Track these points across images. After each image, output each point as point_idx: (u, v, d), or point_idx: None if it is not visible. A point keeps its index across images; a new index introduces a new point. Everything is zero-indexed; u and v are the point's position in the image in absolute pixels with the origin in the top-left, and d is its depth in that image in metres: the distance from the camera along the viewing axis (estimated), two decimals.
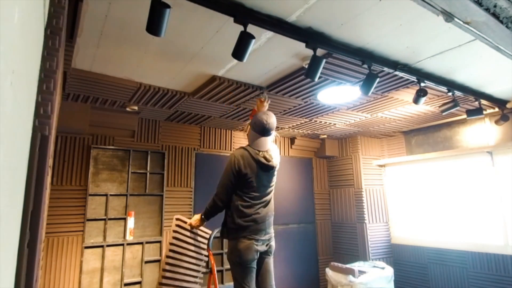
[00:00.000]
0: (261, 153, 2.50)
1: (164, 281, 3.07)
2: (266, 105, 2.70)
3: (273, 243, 2.57)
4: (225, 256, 4.22)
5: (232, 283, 4.15)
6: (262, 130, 2.50)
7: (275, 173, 2.63)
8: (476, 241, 4.05)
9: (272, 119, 2.53)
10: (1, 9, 0.50)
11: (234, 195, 2.50)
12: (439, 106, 3.38)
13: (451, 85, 2.95)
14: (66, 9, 1.40)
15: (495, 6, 1.77)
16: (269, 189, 2.59)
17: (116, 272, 3.55)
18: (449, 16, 1.80)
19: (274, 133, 2.64)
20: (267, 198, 2.56)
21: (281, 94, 3.19)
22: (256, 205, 2.47)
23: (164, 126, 4.15)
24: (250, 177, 2.46)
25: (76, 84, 2.87)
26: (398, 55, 2.45)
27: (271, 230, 2.55)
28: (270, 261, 2.56)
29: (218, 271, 4.14)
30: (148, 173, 3.92)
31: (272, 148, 2.61)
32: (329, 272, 4.09)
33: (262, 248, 2.47)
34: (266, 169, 2.52)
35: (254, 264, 2.46)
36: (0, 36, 0.50)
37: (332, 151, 5.41)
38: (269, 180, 2.58)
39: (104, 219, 3.58)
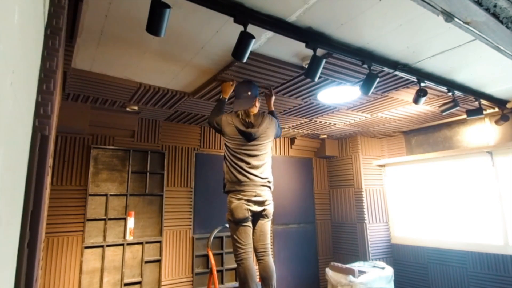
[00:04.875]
0: (241, 116, 2.68)
1: None
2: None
3: (269, 208, 2.69)
4: (225, 256, 4.23)
5: (232, 283, 4.17)
6: (237, 91, 2.74)
7: (265, 141, 2.73)
8: (476, 241, 4.05)
9: (246, 81, 2.77)
10: (1, 9, 0.50)
11: (226, 151, 2.70)
12: (439, 106, 3.38)
13: (451, 85, 2.95)
14: (66, 9, 1.40)
15: (495, 6, 1.77)
16: (259, 154, 2.69)
17: (116, 272, 3.55)
18: (449, 16, 1.80)
19: (256, 94, 2.77)
20: (258, 163, 2.67)
21: (281, 94, 3.19)
22: (243, 166, 2.62)
23: (164, 126, 4.15)
24: (230, 136, 2.67)
25: (76, 84, 2.87)
26: (398, 55, 2.45)
27: (265, 194, 2.66)
28: (266, 223, 2.71)
29: (218, 271, 4.14)
30: (148, 173, 3.92)
31: (261, 117, 2.76)
32: (329, 272, 4.09)
33: (256, 208, 2.60)
34: (246, 136, 2.65)
35: (248, 223, 2.62)
36: (0, 36, 0.50)
37: (332, 151, 5.41)
38: (256, 147, 2.70)
39: (104, 219, 3.58)
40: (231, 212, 2.57)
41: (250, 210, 2.58)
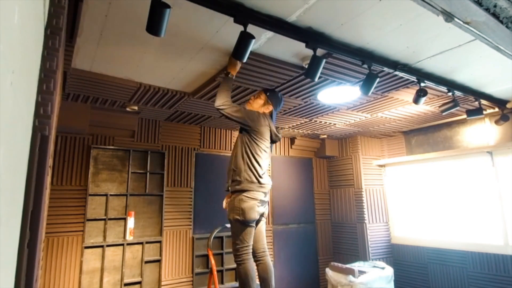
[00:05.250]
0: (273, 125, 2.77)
1: None
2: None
3: (267, 208, 2.75)
4: (225, 256, 4.22)
5: (232, 283, 4.17)
6: (278, 105, 2.79)
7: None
8: (476, 241, 4.05)
9: (280, 98, 2.85)
10: (1, 9, 0.50)
11: (249, 149, 2.59)
12: (439, 106, 3.38)
13: (451, 85, 2.95)
14: (66, 9, 1.40)
15: (495, 6, 1.77)
16: (269, 158, 2.78)
17: (116, 272, 3.55)
18: (449, 16, 1.80)
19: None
20: (267, 166, 2.73)
21: (281, 94, 3.19)
22: (263, 168, 2.64)
23: (164, 126, 4.15)
24: (263, 137, 2.63)
25: (76, 84, 2.87)
26: (398, 55, 2.45)
27: (268, 196, 2.71)
28: (264, 223, 2.76)
29: (218, 271, 4.14)
30: (148, 173, 3.92)
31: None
32: (329, 272, 4.09)
33: (261, 210, 2.61)
34: (273, 142, 2.74)
35: (254, 224, 2.60)
36: (0, 36, 0.50)
37: (332, 151, 5.41)
38: (270, 150, 2.79)
39: (104, 219, 3.58)
40: (242, 212, 2.47)
41: (258, 212, 2.56)
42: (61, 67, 1.78)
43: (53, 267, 3.27)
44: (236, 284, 4.18)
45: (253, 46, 2.00)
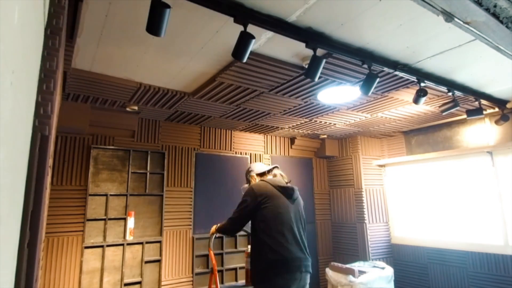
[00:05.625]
0: (276, 178, 2.42)
1: None
2: None
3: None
4: (225, 256, 4.22)
5: (232, 283, 4.16)
6: (261, 170, 2.54)
7: (301, 204, 2.41)
8: (476, 241, 4.05)
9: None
10: (1, 9, 0.50)
11: (257, 229, 2.21)
12: (439, 106, 3.38)
13: (451, 85, 2.95)
14: (66, 9, 1.40)
15: (495, 6, 1.77)
16: (297, 222, 2.28)
17: (116, 272, 3.55)
18: (449, 16, 1.80)
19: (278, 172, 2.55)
20: (297, 232, 2.23)
21: (281, 94, 3.19)
22: (282, 238, 2.15)
23: (164, 126, 4.15)
24: (268, 202, 2.22)
25: (76, 84, 2.87)
26: (398, 55, 2.45)
27: (307, 278, 2.20)
28: None
29: (218, 271, 4.13)
30: (148, 173, 3.92)
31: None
32: (329, 272, 4.09)
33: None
34: (287, 192, 2.30)
35: None
36: (0, 36, 0.50)
37: (332, 151, 5.41)
38: (295, 210, 2.31)
39: (104, 219, 3.58)
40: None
41: None
42: (61, 67, 1.78)
43: (53, 267, 3.27)
44: (237, 283, 4.19)
45: (253, 46, 2.00)
